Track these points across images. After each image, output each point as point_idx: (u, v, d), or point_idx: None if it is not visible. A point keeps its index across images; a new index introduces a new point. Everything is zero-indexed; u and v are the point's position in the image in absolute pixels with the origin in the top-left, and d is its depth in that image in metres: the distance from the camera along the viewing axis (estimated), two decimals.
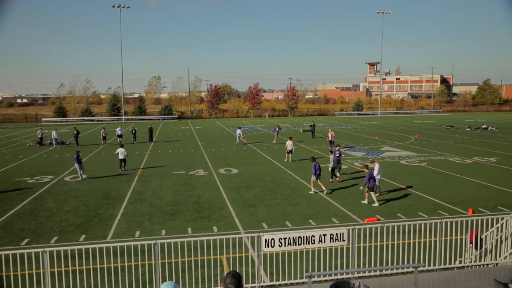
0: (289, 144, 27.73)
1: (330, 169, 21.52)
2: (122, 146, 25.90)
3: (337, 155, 21.96)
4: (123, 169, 24.93)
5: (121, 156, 24.84)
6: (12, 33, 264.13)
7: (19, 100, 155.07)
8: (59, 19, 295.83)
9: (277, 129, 41.13)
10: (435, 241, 10.23)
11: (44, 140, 39.56)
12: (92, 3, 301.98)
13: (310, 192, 18.74)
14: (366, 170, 17.39)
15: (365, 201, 17.01)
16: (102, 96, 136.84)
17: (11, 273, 9.19)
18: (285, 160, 27.46)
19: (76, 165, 22.56)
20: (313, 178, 18.68)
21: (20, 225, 14.78)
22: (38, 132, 40.14)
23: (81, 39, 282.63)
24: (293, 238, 9.19)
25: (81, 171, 22.62)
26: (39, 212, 16.35)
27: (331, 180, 21.06)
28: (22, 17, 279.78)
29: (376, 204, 16.69)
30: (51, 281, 8.64)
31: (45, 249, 8.52)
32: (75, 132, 39.56)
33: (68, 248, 9.18)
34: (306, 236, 9.24)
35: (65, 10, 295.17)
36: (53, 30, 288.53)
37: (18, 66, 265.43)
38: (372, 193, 16.90)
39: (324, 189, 18.67)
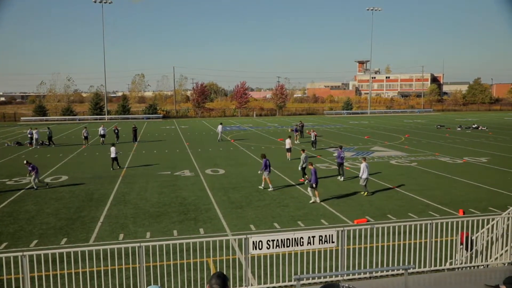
0: (287, 142, 28.79)
1: (300, 168, 21.91)
2: (113, 145, 26.37)
3: (342, 156, 22.22)
4: (118, 167, 25.64)
5: (113, 155, 25.31)
6: None
7: None
8: (37, 13, 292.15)
9: (295, 127, 40.98)
10: (426, 243, 10.36)
11: (23, 140, 39.05)
12: None
13: (260, 187, 20.03)
14: (311, 167, 17.88)
15: (315, 199, 17.51)
16: (84, 95, 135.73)
17: None
18: (288, 158, 28.33)
19: (33, 175, 20.50)
20: (265, 174, 19.58)
21: None
22: (28, 132, 39.55)
23: (61, 35, 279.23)
24: (281, 240, 9.22)
25: (36, 180, 20.54)
26: (18, 215, 16.14)
27: (303, 179, 21.55)
28: None
29: (318, 200, 17.43)
30: (31, 286, 8.54)
31: (25, 253, 8.43)
32: (48, 132, 39.16)
33: (49, 252, 9.09)
34: (295, 238, 9.28)
35: (44, 4, 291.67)
36: (32, 25, 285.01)
37: None
38: (313, 190, 17.47)
39: (271, 187, 19.64)
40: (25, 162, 21.22)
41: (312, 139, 34.47)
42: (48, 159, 29.81)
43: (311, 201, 17.46)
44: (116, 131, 40.94)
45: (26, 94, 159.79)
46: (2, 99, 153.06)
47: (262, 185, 20.05)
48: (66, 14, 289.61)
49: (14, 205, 17.54)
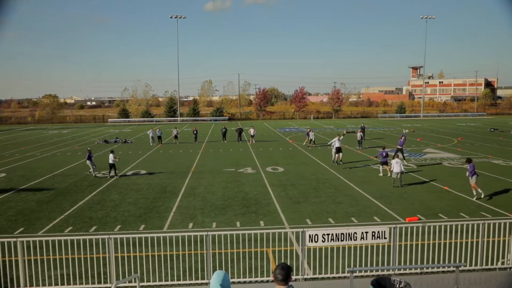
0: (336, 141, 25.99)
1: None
2: (112, 152, 22.89)
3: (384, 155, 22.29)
4: (115, 175, 22.65)
5: (111, 161, 22.35)
6: (83, 43, 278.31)
7: (88, 103, 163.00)
8: (122, 29, 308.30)
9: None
10: (477, 242, 9.76)
11: (110, 138, 41.25)
12: (151, 14, 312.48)
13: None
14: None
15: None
16: (160, 99, 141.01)
17: (82, 256, 9.71)
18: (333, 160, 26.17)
19: (88, 162, 22.97)
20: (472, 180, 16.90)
21: (89, 214, 15.56)
22: (148, 132, 40.89)
23: (142, 47, 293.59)
24: (336, 234, 9.08)
25: (93, 167, 23.03)
26: (105, 203, 17.12)
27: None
28: (91, 28, 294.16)
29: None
30: (115, 264, 9.04)
31: (110, 236, 8.93)
32: (159, 132, 41.00)
33: (130, 236, 9.57)
34: (349, 233, 9.11)
35: (126, 21, 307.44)
36: (117, 39, 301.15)
37: (88, 72, 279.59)
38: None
39: (480, 192, 16.88)
40: (88, 148, 23.12)
41: (358, 138, 34.81)
42: (130, 155, 31.35)
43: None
44: (195, 132, 41.67)
45: (113, 99, 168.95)
46: (94, 103, 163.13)
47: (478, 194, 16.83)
48: (146, 28, 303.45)
49: (102, 195, 18.62)
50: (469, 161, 17.25)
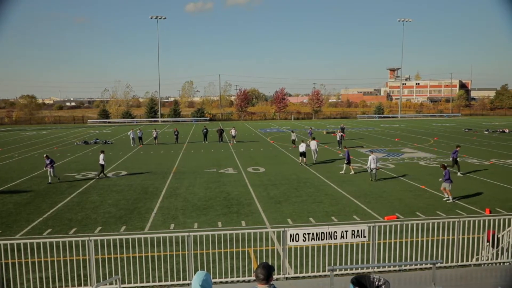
0: (313, 144, 27.54)
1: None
2: (103, 152, 22.96)
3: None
4: (104, 175, 22.60)
5: (101, 162, 22.36)
6: (62, 43, 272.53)
7: (68, 103, 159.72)
8: (102, 29, 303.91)
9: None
10: (453, 239, 9.98)
11: (90, 139, 40.46)
12: (132, 15, 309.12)
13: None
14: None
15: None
16: (141, 100, 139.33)
17: (61, 258, 9.51)
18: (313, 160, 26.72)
19: (49, 169, 20.92)
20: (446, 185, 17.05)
21: (68, 215, 15.26)
22: (129, 133, 40.35)
23: (122, 47, 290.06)
24: (316, 233, 9.14)
25: (52, 175, 21.02)
26: (85, 205, 16.82)
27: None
28: (70, 28, 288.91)
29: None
30: (95, 266, 8.89)
31: (91, 238, 8.77)
32: (139, 132, 40.22)
33: (111, 237, 9.42)
34: (329, 232, 9.18)
35: (107, 20, 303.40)
36: (97, 39, 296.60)
37: (67, 72, 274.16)
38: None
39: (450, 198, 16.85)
40: (45, 155, 21.76)
41: (338, 139, 35.32)
42: (111, 156, 30.88)
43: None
44: (176, 133, 41.41)
45: (92, 99, 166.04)
46: (73, 103, 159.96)
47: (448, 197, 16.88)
48: (126, 29, 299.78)
49: (82, 196, 18.29)
50: (444, 167, 17.36)
